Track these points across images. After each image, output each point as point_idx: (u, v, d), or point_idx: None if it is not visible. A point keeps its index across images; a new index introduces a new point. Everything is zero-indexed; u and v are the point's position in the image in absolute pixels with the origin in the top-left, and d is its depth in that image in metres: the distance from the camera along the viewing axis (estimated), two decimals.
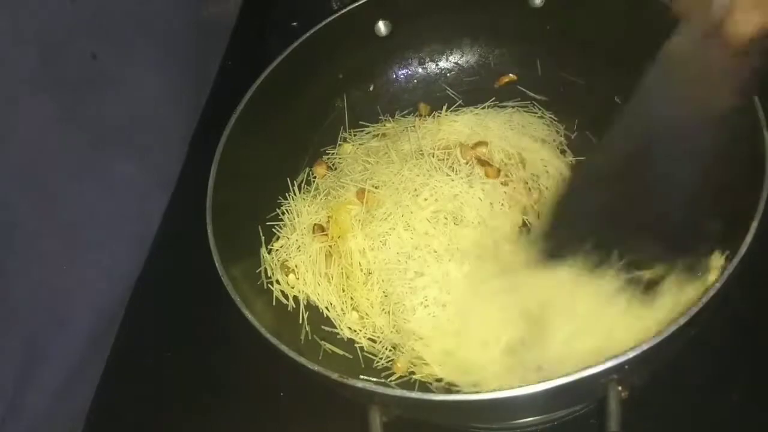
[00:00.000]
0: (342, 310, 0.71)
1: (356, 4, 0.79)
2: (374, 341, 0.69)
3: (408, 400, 0.53)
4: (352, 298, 0.71)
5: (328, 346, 0.69)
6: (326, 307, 0.72)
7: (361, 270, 0.71)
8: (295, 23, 0.95)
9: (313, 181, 0.80)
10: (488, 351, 0.63)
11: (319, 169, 0.81)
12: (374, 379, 0.64)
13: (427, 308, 0.66)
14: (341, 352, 0.68)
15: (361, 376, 0.63)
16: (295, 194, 0.78)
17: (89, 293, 0.80)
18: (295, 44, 0.77)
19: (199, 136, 0.94)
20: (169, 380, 0.78)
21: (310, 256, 0.73)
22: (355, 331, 0.70)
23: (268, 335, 0.58)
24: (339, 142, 0.83)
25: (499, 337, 0.62)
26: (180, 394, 0.76)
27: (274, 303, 0.71)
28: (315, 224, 0.74)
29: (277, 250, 0.74)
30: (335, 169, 0.81)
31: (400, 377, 0.66)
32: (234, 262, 0.65)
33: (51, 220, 0.76)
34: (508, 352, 0.62)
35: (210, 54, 1.00)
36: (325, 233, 0.73)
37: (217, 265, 0.63)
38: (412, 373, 0.66)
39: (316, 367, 0.55)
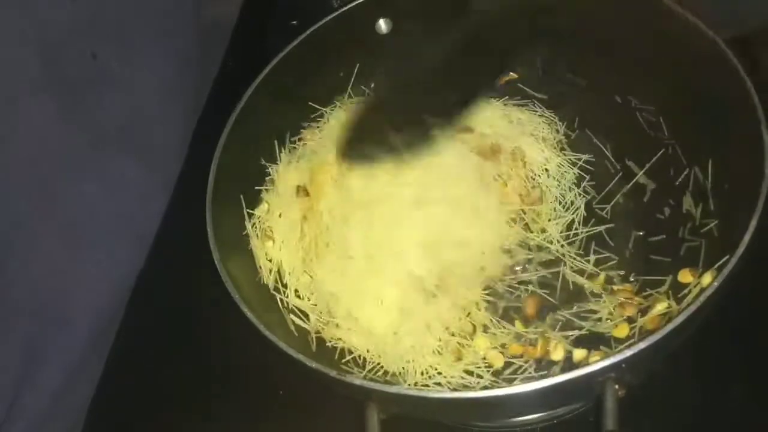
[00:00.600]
0: (299, 273, 0.70)
1: (357, 2, 0.79)
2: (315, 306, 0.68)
3: (406, 397, 0.53)
4: (312, 260, 0.69)
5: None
6: (288, 273, 0.70)
7: (328, 231, 0.69)
8: (295, 22, 0.94)
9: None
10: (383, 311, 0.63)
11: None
12: (372, 376, 0.64)
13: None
14: None
15: (359, 373, 0.63)
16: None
17: (89, 293, 0.80)
18: (296, 42, 0.77)
19: (199, 136, 0.94)
20: (169, 380, 0.78)
21: (289, 221, 0.71)
22: (299, 297, 0.69)
23: (267, 333, 0.58)
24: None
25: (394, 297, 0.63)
26: (180, 394, 0.76)
27: None
28: (298, 186, 0.73)
29: (259, 217, 0.73)
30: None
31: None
32: (234, 262, 0.65)
33: (51, 220, 0.76)
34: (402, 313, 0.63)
35: (210, 54, 1.00)
36: (308, 195, 0.72)
37: (217, 265, 0.63)
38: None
39: (314, 365, 0.55)
